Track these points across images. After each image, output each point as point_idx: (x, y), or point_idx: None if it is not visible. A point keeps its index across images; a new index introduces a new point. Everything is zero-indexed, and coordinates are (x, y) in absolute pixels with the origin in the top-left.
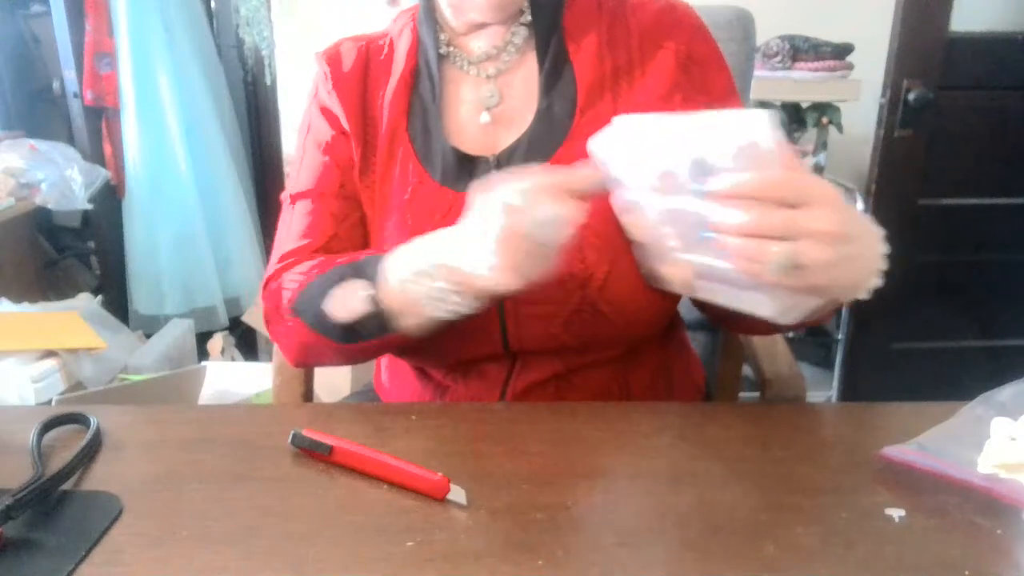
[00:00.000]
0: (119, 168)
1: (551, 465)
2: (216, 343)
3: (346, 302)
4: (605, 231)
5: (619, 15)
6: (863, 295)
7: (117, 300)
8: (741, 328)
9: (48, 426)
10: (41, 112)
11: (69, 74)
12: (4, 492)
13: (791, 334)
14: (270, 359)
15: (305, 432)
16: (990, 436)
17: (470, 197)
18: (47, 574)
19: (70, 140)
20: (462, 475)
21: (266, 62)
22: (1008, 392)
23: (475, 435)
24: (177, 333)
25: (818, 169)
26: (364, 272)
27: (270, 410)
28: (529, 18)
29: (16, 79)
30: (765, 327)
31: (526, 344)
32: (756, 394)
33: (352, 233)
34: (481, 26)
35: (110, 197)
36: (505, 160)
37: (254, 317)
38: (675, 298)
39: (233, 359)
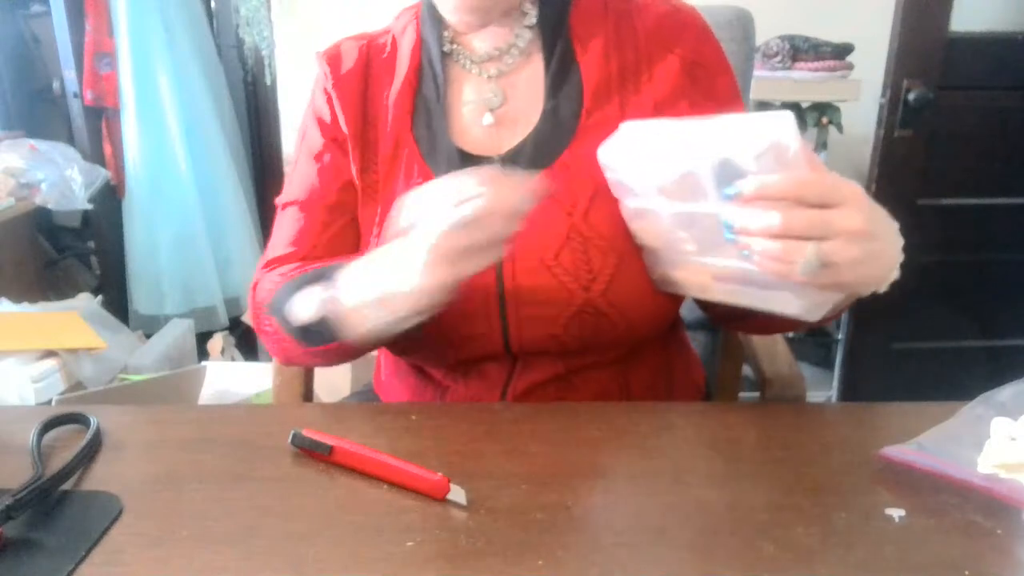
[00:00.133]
0: (119, 168)
1: (551, 465)
2: (216, 343)
3: (303, 306)
4: (610, 234)
5: (625, 15)
6: (883, 289)
7: (117, 300)
8: (749, 328)
9: (48, 426)
10: (41, 112)
11: (69, 74)
12: (4, 492)
13: (791, 334)
14: (270, 359)
15: (305, 432)
16: (990, 436)
17: (399, 208)
18: (47, 574)
19: (70, 140)
20: (462, 475)
21: (266, 62)
22: (1008, 392)
23: (475, 435)
24: (177, 333)
25: None
26: (324, 279)
27: (270, 410)
28: (533, 20)
29: (16, 79)
30: (774, 326)
31: (527, 345)
32: (756, 394)
33: (335, 241)
34: (483, 25)
35: (110, 197)
36: (510, 161)
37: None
38: (679, 301)
39: (233, 359)
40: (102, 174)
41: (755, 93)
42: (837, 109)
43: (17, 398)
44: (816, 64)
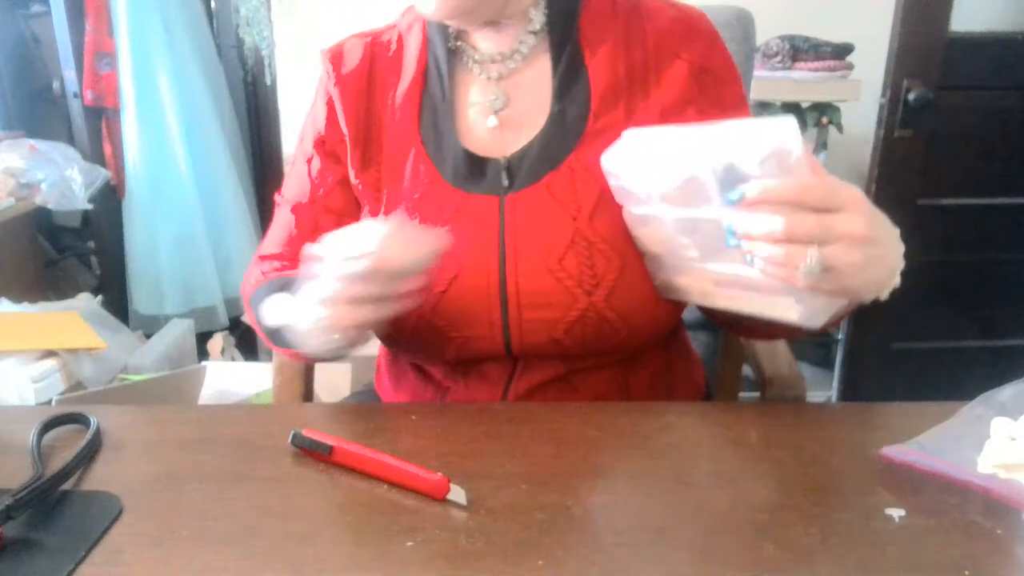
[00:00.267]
0: (119, 168)
1: (551, 465)
2: (216, 343)
3: (269, 312)
4: (614, 239)
5: (634, 19)
6: (884, 295)
7: (117, 300)
8: (750, 334)
9: (48, 426)
10: (41, 112)
11: (69, 74)
12: (4, 492)
13: None
14: (270, 359)
15: (305, 432)
16: (990, 436)
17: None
18: (47, 574)
19: (70, 140)
20: (462, 475)
21: (266, 62)
22: (1008, 392)
23: (475, 435)
24: (177, 333)
25: None
26: (291, 289)
27: (270, 410)
28: (537, 27)
29: (16, 79)
30: (775, 333)
31: (528, 348)
32: (756, 394)
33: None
34: (485, 25)
35: (110, 197)
36: (516, 162)
37: None
38: (681, 307)
39: (233, 359)
40: (102, 174)
41: (755, 93)
42: (837, 109)
43: (17, 398)
44: (816, 64)
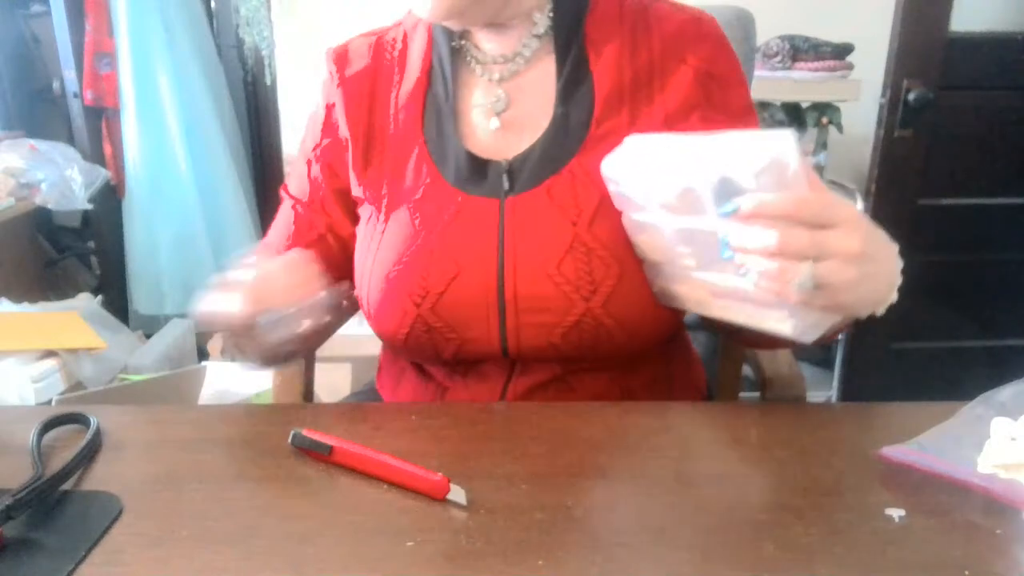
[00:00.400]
0: (119, 168)
1: (551, 465)
2: (216, 343)
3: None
4: (614, 245)
5: (641, 23)
6: (881, 311)
7: (117, 300)
8: (747, 342)
9: (48, 426)
10: (41, 112)
11: (69, 74)
12: (4, 492)
13: None
14: None
15: (305, 432)
16: (990, 436)
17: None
18: (47, 574)
19: (70, 140)
20: (462, 475)
21: (266, 62)
22: (1008, 392)
23: (475, 435)
24: (177, 333)
25: (818, 169)
26: None
27: (270, 410)
28: (541, 31)
29: (16, 79)
30: (770, 342)
31: (525, 352)
32: (756, 394)
33: (321, 240)
34: (488, 26)
35: (110, 197)
36: (518, 165)
37: None
38: (680, 314)
39: (233, 359)
40: (102, 174)
41: (755, 93)
42: (837, 109)
43: (17, 398)
44: (816, 64)
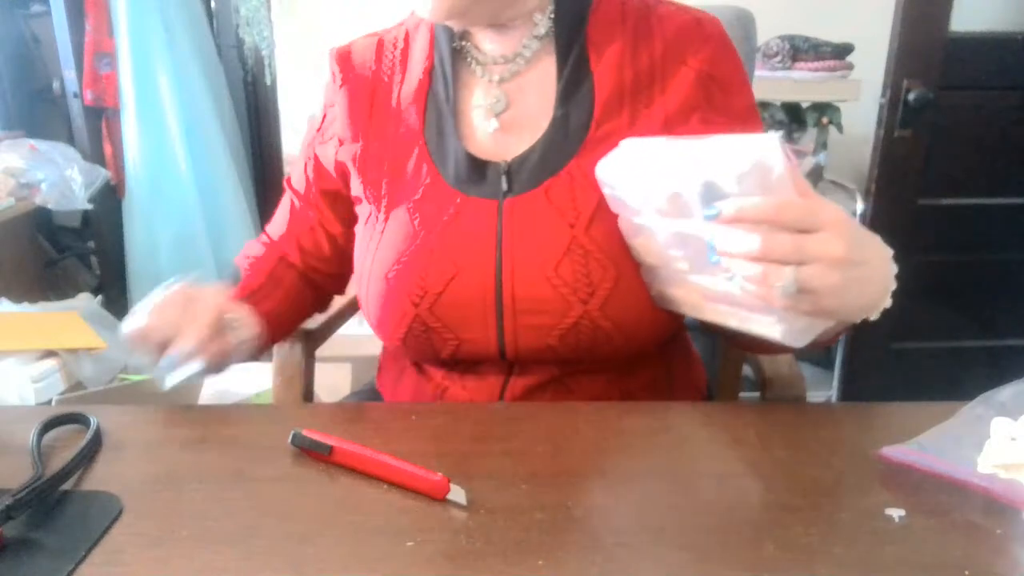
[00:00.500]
0: (119, 168)
1: (551, 465)
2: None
3: None
4: (611, 248)
5: (643, 24)
6: (873, 316)
7: (117, 300)
8: (744, 346)
9: (48, 426)
10: (41, 112)
11: (69, 74)
12: (4, 492)
13: None
14: (270, 359)
15: (305, 432)
16: (990, 436)
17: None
18: (47, 574)
19: (70, 140)
20: (462, 475)
21: (266, 62)
22: (1008, 392)
23: (475, 435)
24: None
25: (818, 169)
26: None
27: (270, 410)
28: (542, 32)
29: (16, 79)
30: (765, 348)
31: (522, 354)
32: (756, 394)
33: (315, 236)
34: (490, 26)
35: (110, 197)
36: (517, 167)
37: None
38: (678, 317)
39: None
40: (102, 174)
41: (755, 93)
42: (837, 109)
43: (17, 398)
44: (816, 64)
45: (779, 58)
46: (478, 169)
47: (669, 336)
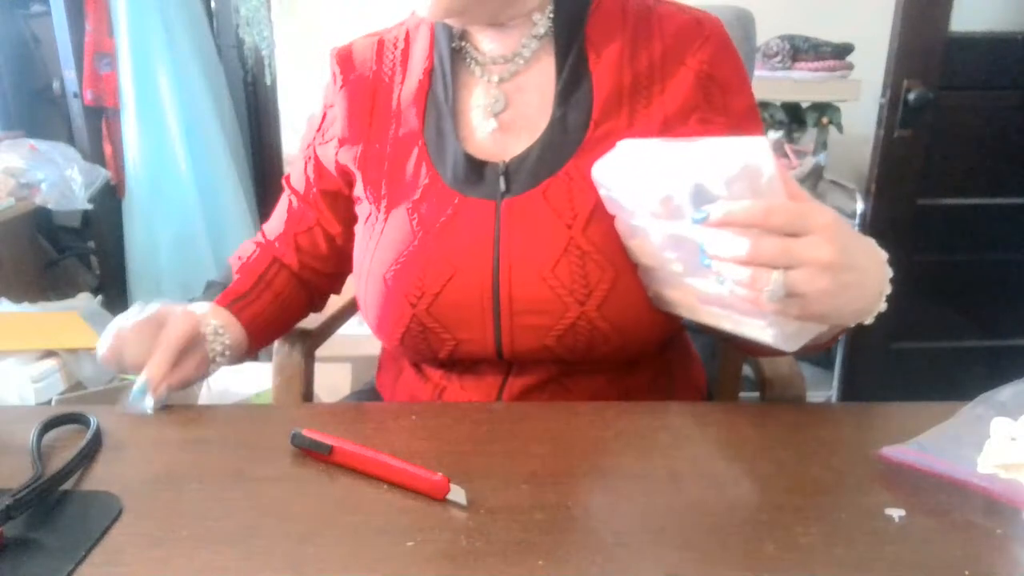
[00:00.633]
0: (119, 168)
1: (551, 465)
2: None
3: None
4: (609, 249)
5: (643, 24)
6: (868, 320)
7: (117, 300)
8: (747, 350)
9: (48, 426)
10: (41, 112)
11: (69, 74)
12: (4, 492)
13: None
14: (270, 359)
15: (305, 432)
16: (990, 436)
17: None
18: (47, 574)
19: (70, 140)
20: (462, 475)
21: (266, 62)
22: (1008, 392)
23: (475, 435)
24: None
25: (818, 169)
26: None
27: (270, 410)
28: (541, 31)
29: (16, 79)
30: (759, 350)
31: (519, 354)
32: (756, 394)
33: (311, 235)
34: (489, 26)
35: (110, 197)
36: (515, 167)
37: None
38: (676, 318)
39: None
40: (102, 174)
41: (755, 93)
42: (837, 109)
43: (17, 398)
44: (816, 64)
45: (779, 58)
46: (476, 169)
47: (667, 337)
